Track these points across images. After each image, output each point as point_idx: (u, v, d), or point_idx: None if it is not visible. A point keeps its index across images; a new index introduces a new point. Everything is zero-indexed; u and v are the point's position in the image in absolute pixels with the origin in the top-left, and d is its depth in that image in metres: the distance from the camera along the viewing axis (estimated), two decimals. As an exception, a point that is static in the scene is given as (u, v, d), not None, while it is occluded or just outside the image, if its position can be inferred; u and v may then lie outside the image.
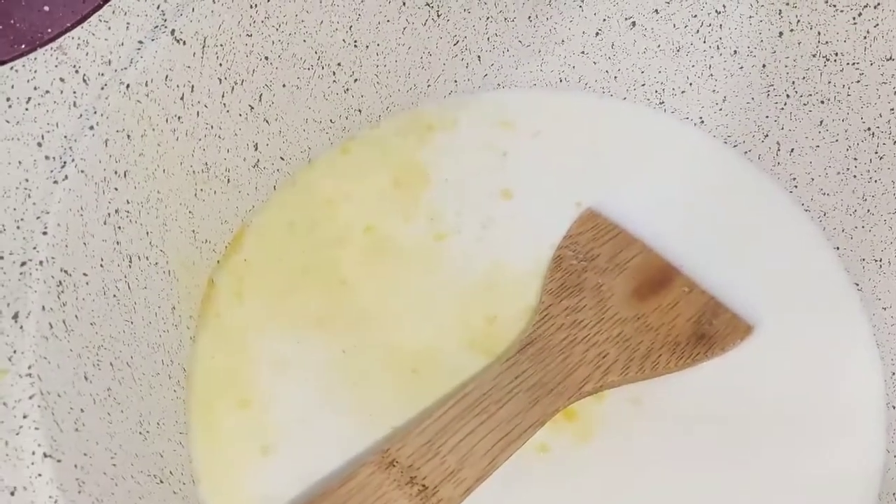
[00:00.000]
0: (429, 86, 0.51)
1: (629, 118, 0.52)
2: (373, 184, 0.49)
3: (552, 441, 0.43)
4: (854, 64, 0.43)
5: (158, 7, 0.40)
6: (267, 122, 0.47)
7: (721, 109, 0.49)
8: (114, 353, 0.39)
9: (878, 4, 0.41)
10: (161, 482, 0.40)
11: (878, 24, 0.41)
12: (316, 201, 0.49)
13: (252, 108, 0.46)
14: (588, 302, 0.45)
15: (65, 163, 0.36)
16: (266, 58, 0.45)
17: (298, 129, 0.48)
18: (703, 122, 0.50)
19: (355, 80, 0.49)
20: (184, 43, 0.41)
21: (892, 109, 0.42)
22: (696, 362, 0.45)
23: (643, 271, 0.47)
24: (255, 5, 0.43)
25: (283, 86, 0.47)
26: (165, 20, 0.40)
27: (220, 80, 0.43)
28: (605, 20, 0.48)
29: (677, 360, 0.44)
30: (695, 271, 0.48)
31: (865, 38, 0.42)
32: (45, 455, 0.32)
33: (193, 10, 0.41)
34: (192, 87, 0.42)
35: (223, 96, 0.44)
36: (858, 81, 0.43)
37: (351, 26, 0.47)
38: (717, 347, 0.45)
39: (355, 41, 0.48)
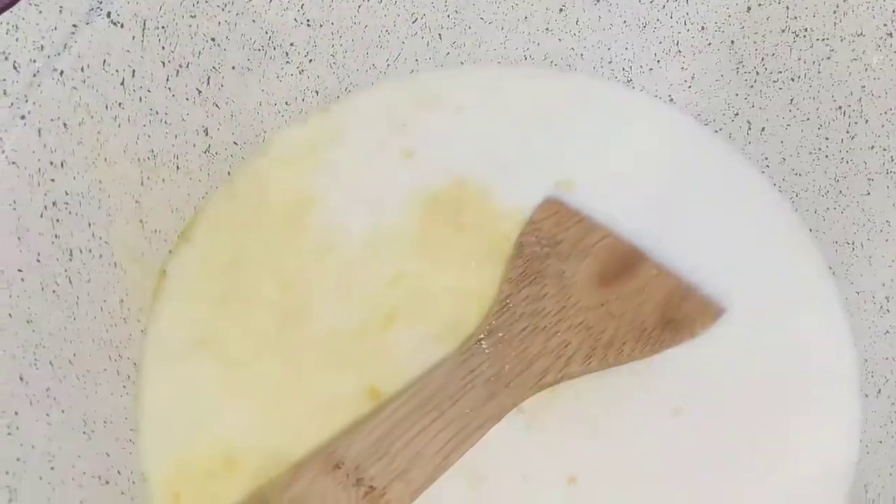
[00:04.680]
0: (388, 65, 0.49)
1: (597, 95, 0.50)
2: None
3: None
4: (824, 40, 0.41)
5: (93, -12, 0.38)
6: (217, 105, 0.45)
7: (690, 87, 0.47)
8: (53, 351, 0.37)
9: (848, -23, 0.39)
10: (107, 483, 0.38)
11: (847, -2, 0.39)
12: (270, 188, 0.47)
13: (200, 91, 0.44)
14: (550, 290, 0.44)
15: (-8, 155, 0.35)
16: (213, 39, 0.43)
17: (251, 112, 0.47)
18: (672, 99, 0.48)
19: (310, 61, 0.47)
20: (122, 26, 0.39)
21: (864, 87, 0.40)
22: (663, 348, 0.43)
23: (608, 256, 0.45)
24: (199, -15, 0.42)
25: (233, 68, 0.45)
26: (101, 2, 0.38)
27: (164, 63, 0.42)
28: (568, -5, 0.46)
29: (643, 347, 0.43)
30: (664, 253, 0.46)
31: (835, 12, 0.40)
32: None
33: (131, -9, 0.39)
34: (134, 71, 0.40)
35: (167, 80, 0.42)
36: (829, 58, 0.41)
37: (303, 5, 0.45)
38: (685, 332, 0.44)
39: (308, 20, 0.46)
